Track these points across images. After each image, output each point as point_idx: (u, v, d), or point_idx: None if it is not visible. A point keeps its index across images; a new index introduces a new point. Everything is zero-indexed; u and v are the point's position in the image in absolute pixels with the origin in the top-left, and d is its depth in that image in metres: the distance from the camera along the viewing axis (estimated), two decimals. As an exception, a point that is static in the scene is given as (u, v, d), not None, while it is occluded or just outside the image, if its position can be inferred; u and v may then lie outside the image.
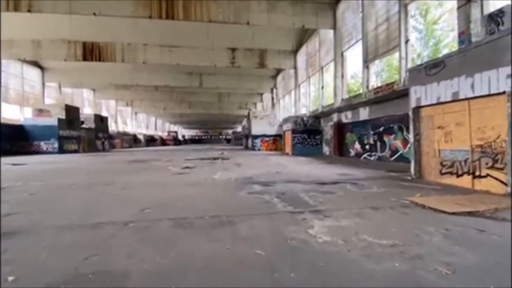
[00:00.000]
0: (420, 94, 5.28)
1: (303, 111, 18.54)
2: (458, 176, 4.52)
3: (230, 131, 72.32)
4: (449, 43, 8.33)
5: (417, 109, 5.50)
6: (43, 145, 18.56)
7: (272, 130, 22.28)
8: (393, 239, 2.09)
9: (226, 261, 1.76)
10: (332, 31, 12.86)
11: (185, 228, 2.42)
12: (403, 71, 8.33)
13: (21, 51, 16.27)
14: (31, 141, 18.39)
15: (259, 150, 21.75)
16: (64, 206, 3.32)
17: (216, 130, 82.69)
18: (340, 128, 12.22)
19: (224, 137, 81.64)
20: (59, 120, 18.83)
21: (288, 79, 21.75)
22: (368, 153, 10.31)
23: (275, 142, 22.29)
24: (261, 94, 32.51)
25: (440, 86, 4.76)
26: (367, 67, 10.26)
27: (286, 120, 16.34)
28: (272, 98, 26.71)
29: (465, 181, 4.36)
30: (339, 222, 2.57)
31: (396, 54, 8.84)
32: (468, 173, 4.34)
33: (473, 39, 5.60)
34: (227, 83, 24.98)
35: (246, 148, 27.50)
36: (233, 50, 17.81)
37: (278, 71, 24.25)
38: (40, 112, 19.85)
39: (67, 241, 2.13)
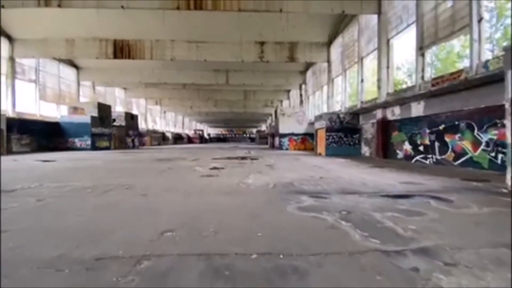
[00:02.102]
0: (528, 79, 3.92)
1: (337, 107, 17.10)
2: None
3: (254, 130, 71.83)
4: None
5: (521, 99, 4.12)
6: (77, 142, 19.12)
7: (301, 129, 21.09)
8: None
9: None
10: (375, 17, 11.39)
11: (225, 279, 1.50)
12: (475, 56, 6.80)
13: (56, 50, 16.71)
14: (66, 138, 19.02)
15: (286, 149, 20.68)
16: (67, 221, 2.58)
17: (240, 129, 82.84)
18: (384, 126, 10.75)
19: (248, 135, 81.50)
20: (92, 117, 19.26)
21: (320, 74, 20.35)
22: (422, 156, 8.81)
23: (304, 141, 21.09)
24: (288, 91, 31.29)
25: None
26: (423, 55, 8.75)
27: (319, 117, 15.06)
28: (301, 95, 25.42)
29: None
30: (484, 280, 1.49)
31: (461, 38, 7.32)
32: None
33: None
34: (253, 80, 24.19)
35: (273, 147, 26.51)
36: (262, 44, 16.89)
37: (308, 66, 22.94)
38: (75, 110, 20.51)
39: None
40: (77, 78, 23.00)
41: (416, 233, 2.24)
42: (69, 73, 22.36)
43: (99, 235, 2.18)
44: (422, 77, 8.69)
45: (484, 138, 6.63)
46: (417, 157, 9.01)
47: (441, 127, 7.96)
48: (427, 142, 8.57)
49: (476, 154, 6.84)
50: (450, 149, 7.67)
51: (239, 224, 2.45)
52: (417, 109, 8.97)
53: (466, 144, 7.14)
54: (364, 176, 5.71)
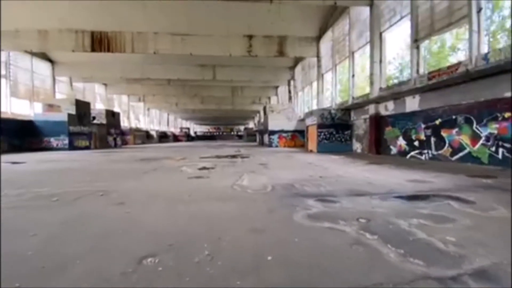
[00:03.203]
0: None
1: (327, 103, 16.84)
2: None
3: (242, 127, 71.20)
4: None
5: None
6: (53, 141, 17.84)
7: (291, 125, 20.76)
8: None
9: None
10: (367, 10, 11.09)
11: None
12: (474, 48, 6.58)
13: (28, 42, 15.35)
14: (41, 137, 17.69)
15: (276, 146, 20.30)
16: (14, 244, 1.97)
17: (228, 126, 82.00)
18: (377, 122, 10.52)
19: (236, 133, 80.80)
20: (69, 115, 18.03)
21: (309, 69, 20.04)
22: (417, 151, 8.61)
23: (294, 138, 20.78)
24: (277, 88, 30.88)
25: None
26: (417, 47, 8.51)
27: (310, 114, 14.73)
28: (289, 91, 25.05)
29: None
30: None
31: (452, 32, 7.10)
32: None
33: None
34: (241, 76, 23.56)
35: (262, 144, 26.08)
36: (250, 37, 16.28)
37: (297, 61, 22.60)
38: (50, 107, 19.13)
39: None
40: (52, 73, 21.49)
41: (460, 247, 1.82)
42: (43, 67, 20.83)
43: (52, 266, 1.60)
44: (417, 71, 8.46)
45: (484, 132, 6.44)
46: (412, 153, 8.82)
47: (437, 122, 7.76)
48: (422, 137, 8.37)
49: (475, 148, 6.65)
50: (447, 144, 7.48)
51: (241, 242, 1.95)
52: (412, 104, 8.75)
53: (464, 139, 6.95)
54: (366, 174, 5.34)
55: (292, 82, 24.31)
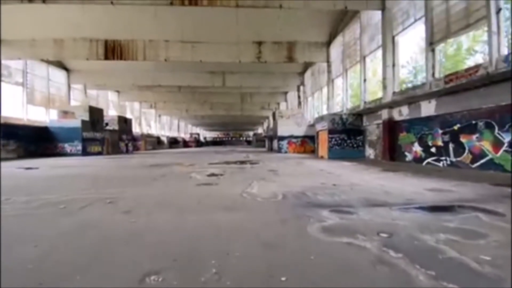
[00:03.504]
0: None
1: (338, 109, 16.57)
2: None
3: (251, 133, 71.30)
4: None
5: None
6: (67, 147, 18.26)
7: (300, 131, 20.55)
8: None
9: None
10: (378, 13, 10.90)
11: None
12: (494, 50, 6.27)
13: (44, 51, 15.91)
14: (55, 143, 18.16)
15: (286, 152, 20.09)
16: (14, 254, 1.89)
17: (237, 132, 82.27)
18: (391, 127, 10.20)
19: (245, 139, 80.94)
20: (83, 121, 18.45)
21: (319, 75, 19.86)
22: (434, 158, 8.25)
23: (303, 143, 20.55)
24: (286, 93, 30.79)
25: None
26: (433, 50, 8.23)
27: (320, 119, 14.49)
28: (299, 97, 24.89)
29: None
30: None
31: (469, 35, 6.81)
32: None
33: None
34: (250, 82, 23.61)
35: (271, 150, 25.92)
36: (259, 43, 16.32)
37: (306, 67, 22.48)
38: (65, 114, 19.68)
39: None
40: (67, 81, 22.15)
41: (497, 268, 1.61)
42: (59, 75, 21.51)
43: (50, 282, 1.50)
44: (433, 74, 8.16)
45: (507, 138, 6.08)
46: (429, 159, 8.45)
47: (455, 127, 7.41)
48: (439, 143, 8.01)
49: (498, 155, 6.28)
50: (466, 151, 7.11)
51: (251, 259, 1.79)
52: (427, 108, 8.43)
53: (486, 145, 6.59)
54: (381, 182, 5.09)
55: (301, 88, 24.16)
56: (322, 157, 13.53)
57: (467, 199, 3.58)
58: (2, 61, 16.22)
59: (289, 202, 3.44)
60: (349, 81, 15.45)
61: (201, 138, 67.57)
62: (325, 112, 18.04)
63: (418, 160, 8.92)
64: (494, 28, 6.30)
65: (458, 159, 7.36)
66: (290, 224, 2.53)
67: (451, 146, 7.60)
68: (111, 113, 28.07)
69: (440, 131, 7.93)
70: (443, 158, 7.88)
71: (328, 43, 16.47)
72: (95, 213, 3.02)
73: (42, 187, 4.96)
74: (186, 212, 3.00)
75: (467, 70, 7.05)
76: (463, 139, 7.21)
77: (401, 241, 2.06)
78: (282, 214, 2.89)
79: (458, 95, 7.24)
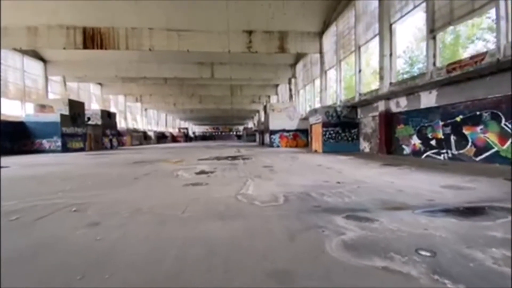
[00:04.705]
0: None
1: (331, 101, 16.16)
2: None
3: (241, 127, 70.50)
4: None
5: None
6: (46, 143, 17.10)
7: (292, 125, 20.12)
8: None
9: None
10: (374, 1, 10.41)
11: None
12: (502, 36, 5.90)
13: (16, 39, 14.60)
14: (32, 139, 16.94)
15: (278, 146, 19.65)
16: None
17: (227, 126, 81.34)
18: (388, 119, 9.85)
19: (234, 133, 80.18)
20: (62, 116, 17.27)
21: (311, 66, 19.37)
22: (434, 151, 7.94)
23: (296, 137, 20.15)
24: (277, 86, 30.20)
25: None
26: (434, 38, 7.83)
27: (314, 112, 14.04)
28: (290, 89, 24.37)
29: None
30: None
31: (467, 23, 6.42)
32: None
33: None
34: (240, 74, 22.85)
35: (262, 144, 25.43)
36: (250, 33, 15.58)
37: (298, 58, 21.92)
38: (42, 108, 18.40)
39: None
40: (44, 73, 20.71)
41: None
42: (35, 66, 20.05)
43: None
44: (434, 63, 7.78)
45: (514, 129, 5.78)
46: (428, 153, 8.15)
47: (458, 119, 7.09)
48: (440, 135, 7.69)
49: (504, 148, 5.98)
50: (470, 143, 6.81)
51: (259, 302, 1.25)
52: (427, 99, 8.08)
53: (491, 137, 6.28)
54: (388, 178, 4.65)
55: (293, 80, 23.62)
56: (316, 151, 13.13)
57: (492, 198, 3.17)
58: (-32, 50, 14.83)
59: (293, 207, 2.91)
60: (343, 73, 15.02)
61: (190, 133, 66.31)
62: (317, 105, 17.63)
63: (416, 153, 8.61)
64: (502, 12, 5.91)
65: (461, 152, 7.05)
66: (302, 239, 2.00)
67: (452, 138, 7.29)
68: (93, 107, 26.70)
69: (441, 123, 7.61)
70: (444, 151, 7.57)
71: (321, 33, 15.93)
72: (53, 227, 2.40)
73: (2, 191, 4.23)
74: (169, 223, 2.42)
75: (472, 57, 6.68)
76: (466, 131, 6.89)
77: (451, 263, 1.57)
78: (288, 223, 2.36)
79: (461, 85, 6.89)
